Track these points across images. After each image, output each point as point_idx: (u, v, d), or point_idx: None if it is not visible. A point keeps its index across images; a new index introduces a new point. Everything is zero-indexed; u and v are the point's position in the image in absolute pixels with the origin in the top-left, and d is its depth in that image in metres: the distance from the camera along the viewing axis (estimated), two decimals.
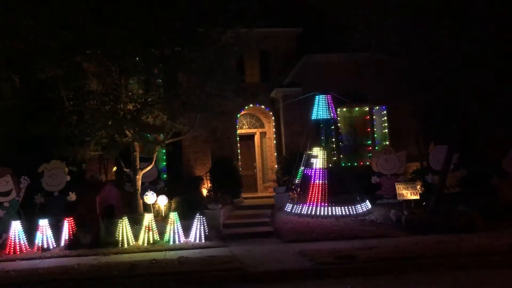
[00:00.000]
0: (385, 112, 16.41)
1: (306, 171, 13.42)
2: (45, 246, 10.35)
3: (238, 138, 16.66)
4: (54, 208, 12.37)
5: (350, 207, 12.55)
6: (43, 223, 10.57)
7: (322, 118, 13.38)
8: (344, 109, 16.26)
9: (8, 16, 10.69)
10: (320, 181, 12.99)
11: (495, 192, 13.06)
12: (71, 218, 10.78)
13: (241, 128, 17.22)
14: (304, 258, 8.56)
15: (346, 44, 12.62)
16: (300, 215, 12.42)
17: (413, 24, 11.01)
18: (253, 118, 17.57)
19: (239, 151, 16.54)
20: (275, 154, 16.69)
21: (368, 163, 15.65)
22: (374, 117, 16.47)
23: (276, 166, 16.08)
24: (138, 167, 12.34)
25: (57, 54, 11.14)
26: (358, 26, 11.79)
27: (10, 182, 11.61)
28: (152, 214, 11.36)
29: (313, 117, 13.58)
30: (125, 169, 13.12)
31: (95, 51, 11.64)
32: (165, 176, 15.28)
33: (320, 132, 13.60)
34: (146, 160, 13.04)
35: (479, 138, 14.57)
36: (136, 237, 10.62)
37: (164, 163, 15.55)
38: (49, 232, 10.52)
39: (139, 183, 12.41)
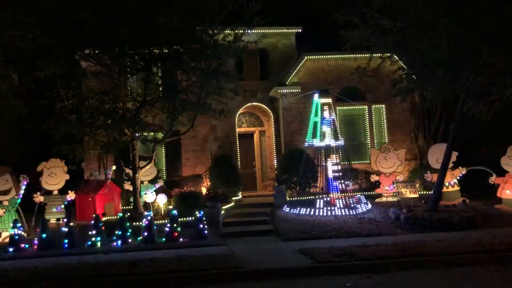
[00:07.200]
0: (384, 110, 16.42)
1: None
2: (45, 245, 10.34)
3: (237, 137, 16.66)
4: (53, 207, 12.39)
5: (349, 205, 12.57)
6: (42, 221, 10.57)
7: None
8: (343, 108, 16.28)
9: (6, 13, 10.67)
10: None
11: (494, 190, 13.10)
12: None
13: (240, 126, 17.22)
14: (303, 256, 8.57)
15: (345, 42, 12.67)
16: (299, 213, 12.44)
17: (411, 22, 11.04)
18: (252, 116, 17.57)
19: (238, 149, 16.54)
20: (275, 152, 16.69)
21: (367, 161, 15.67)
22: (373, 115, 16.49)
23: (276, 164, 16.09)
24: (137, 165, 12.34)
25: (55, 52, 11.14)
26: (357, 25, 11.83)
27: (9, 181, 11.61)
28: (152, 212, 11.38)
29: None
30: (125, 168, 13.13)
31: (93, 50, 11.64)
32: (164, 174, 15.30)
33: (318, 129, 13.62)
34: (146, 158, 13.05)
35: (478, 136, 14.61)
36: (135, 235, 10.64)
37: (164, 162, 15.57)
38: (48, 231, 10.51)
39: (139, 181, 12.40)
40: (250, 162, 17.29)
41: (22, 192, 11.61)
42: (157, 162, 14.61)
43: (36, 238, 10.41)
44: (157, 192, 12.98)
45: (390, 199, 13.74)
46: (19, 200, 11.57)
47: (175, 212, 10.89)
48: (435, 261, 7.95)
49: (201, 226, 10.70)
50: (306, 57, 16.17)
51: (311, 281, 7.39)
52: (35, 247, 10.30)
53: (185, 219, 11.55)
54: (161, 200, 12.72)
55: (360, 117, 16.61)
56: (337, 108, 15.75)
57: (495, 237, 9.31)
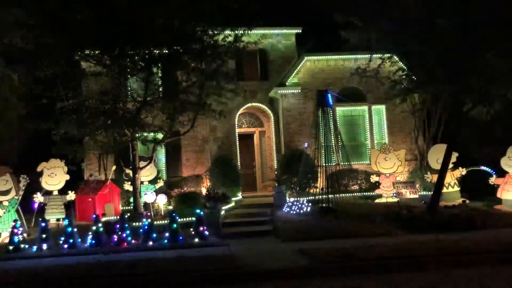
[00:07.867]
0: (384, 110, 16.44)
1: None
2: (45, 245, 10.33)
3: (237, 137, 16.67)
4: (53, 207, 12.39)
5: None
6: (42, 222, 10.56)
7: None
8: (343, 108, 16.30)
9: (6, 13, 10.68)
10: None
11: (494, 191, 13.10)
12: None
13: (240, 127, 17.23)
14: (303, 257, 8.56)
15: (344, 43, 12.70)
16: (299, 214, 12.43)
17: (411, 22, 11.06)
18: (252, 117, 17.58)
19: (238, 150, 16.55)
20: (275, 153, 16.70)
21: (367, 162, 15.67)
22: (373, 116, 16.50)
23: (276, 165, 16.09)
24: (137, 166, 12.34)
25: (55, 52, 11.14)
26: (357, 25, 11.85)
27: (9, 181, 11.61)
28: (152, 212, 11.38)
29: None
30: (125, 168, 13.12)
31: (93, 50, 11.65)
32: (164, 175, 15.30)
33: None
34: (146, 159, 13.05)
35: (478, 137, 14.62)
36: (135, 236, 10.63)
37: (164, 162, 15.57)
38: (48, 231, 10.50)
39: (139, 182, 12.40)
40: (250, 162, 17.30)
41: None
42: (157, 162, 14.62)
43: (36, 238, 10.41)
44: (157, 192, 12.97)
45: (390, 199, 13.74)
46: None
47: (175, 212, 10.89)
48: (434, 262, 7.95)
49: (201, 226, 10.69)
50: (306, 58, 16.19)
51: (311, 282, 7.39)
52: (35, 247, 10.29)
53: (185, 219, 11.55)
54: (161, 200, 12.72)
55: (360, 117, 16.62)
56: (337, 108, 15.75)
57: (494, 238, 9.30)
